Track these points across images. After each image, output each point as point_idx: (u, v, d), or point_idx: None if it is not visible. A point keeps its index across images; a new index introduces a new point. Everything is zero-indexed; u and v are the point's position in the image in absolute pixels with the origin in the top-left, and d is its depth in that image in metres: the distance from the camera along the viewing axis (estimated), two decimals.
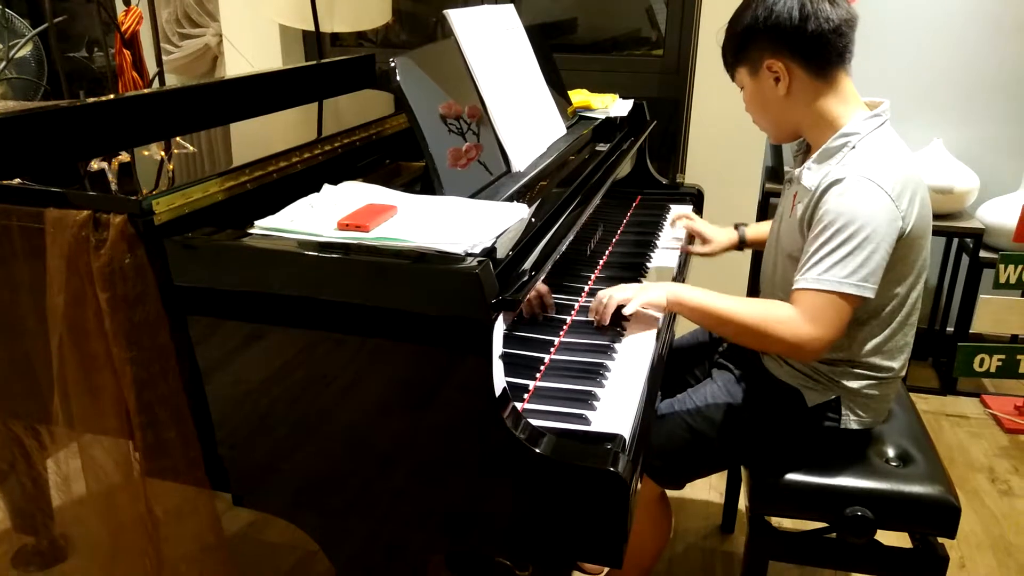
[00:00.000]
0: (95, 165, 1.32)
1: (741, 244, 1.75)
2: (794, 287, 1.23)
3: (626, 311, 1.32)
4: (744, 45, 1.32)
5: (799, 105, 1.31)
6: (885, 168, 1.22)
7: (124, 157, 1.38)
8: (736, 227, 1.76)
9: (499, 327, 0.97)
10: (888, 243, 1.20)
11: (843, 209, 1.19)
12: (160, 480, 1.19)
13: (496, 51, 1.51)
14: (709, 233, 1.77)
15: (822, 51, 1.26)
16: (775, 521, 1.46)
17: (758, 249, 1.79)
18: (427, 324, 0.97)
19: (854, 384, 1.36)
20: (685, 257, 1.80)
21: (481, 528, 1.04)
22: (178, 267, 1.06)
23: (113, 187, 1.24)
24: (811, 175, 1.30)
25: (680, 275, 1.69)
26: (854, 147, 1.27)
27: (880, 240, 1.19)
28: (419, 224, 1.06)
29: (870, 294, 1.20)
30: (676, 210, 1.96)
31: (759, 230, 1.74)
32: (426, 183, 1.28)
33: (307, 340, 1.04)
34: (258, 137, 1.64)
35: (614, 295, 1.33)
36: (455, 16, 1.41)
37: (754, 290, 2.76)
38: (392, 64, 1.21)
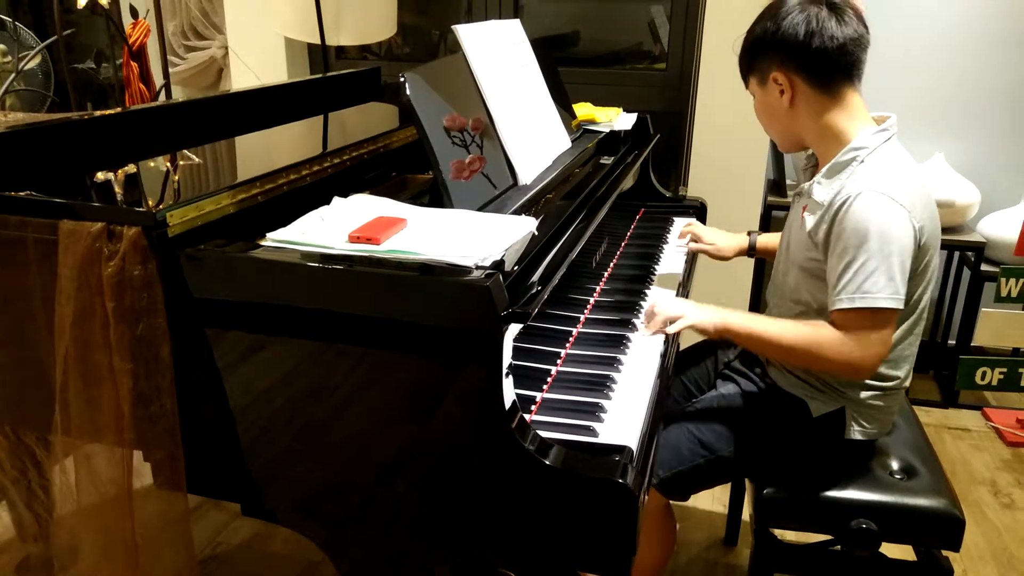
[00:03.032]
0: (101, 176, 1.33)
1: (751, 250, 1.77)
2: (831, 308, 1.26)
3: (670, 330, 1.33)
4: (755, 56, 1.36)
5: (804, 118, 1.34)
6: (898, 182, 1.24)
7: (130, 168, 1.39)
8: (749, 233, 1.78)
9: (508, 339, 0.98)
10: (908, 256, 1.23)
11: (863, 225, 1.22)
12: (143, 505, 1.18)
13: (503, 66, 1.52)
14: (712, 238, 1.79)
15: (826, 67, 1.29)
16: (778, 533, 1.47)
17: (766, 258, 1.82)
18: (438, 336, 0.97)
19: (859, 394, 1.38)
20: (691, 263, 1.81)
21: (489, 539, 1.04)
22: (192, 279, 1.07)
23: (119, 198, 1.25)
24: (821, 189, 1.33)
25: (686, 280, 1.71)
26: (863, 161, 1.29)
27: (903, 253, 1.22)
28: (429, 237, 1.07)
29: (901, 306, 1.23)
30: (680, 225, 1.97)
31: (769, 240, 1.77)
32: (434, 196, 1.30)
33: (317, 351, 1.05)
34: (263, 149, 1.66)
35: (666, 310, 1.34)
36: (463, 31, 1.42)
37: (757, 296, 2.78)
38: (402, 79, 1.22)
